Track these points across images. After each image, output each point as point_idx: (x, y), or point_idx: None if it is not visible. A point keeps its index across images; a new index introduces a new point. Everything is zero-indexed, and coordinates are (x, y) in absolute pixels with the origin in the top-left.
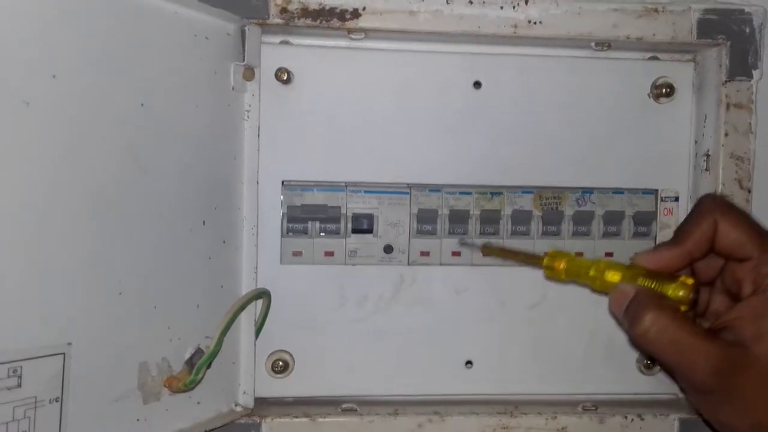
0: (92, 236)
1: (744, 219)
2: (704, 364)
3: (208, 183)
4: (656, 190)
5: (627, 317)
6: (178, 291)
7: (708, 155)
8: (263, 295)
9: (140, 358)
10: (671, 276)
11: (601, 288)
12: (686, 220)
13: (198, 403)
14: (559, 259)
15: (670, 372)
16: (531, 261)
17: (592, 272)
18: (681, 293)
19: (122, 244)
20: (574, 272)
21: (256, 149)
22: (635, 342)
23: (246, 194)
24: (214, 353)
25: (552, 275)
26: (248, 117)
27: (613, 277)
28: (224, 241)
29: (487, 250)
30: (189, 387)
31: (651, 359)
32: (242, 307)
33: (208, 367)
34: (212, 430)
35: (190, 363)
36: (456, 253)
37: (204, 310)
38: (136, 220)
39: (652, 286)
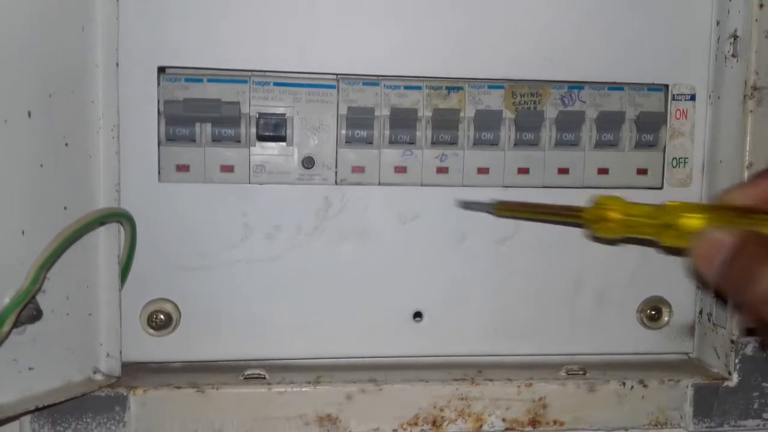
0: None
1: None
2: None
3: (37, 58)
4: (666, 86)
5: (730, 278)
6: None
7: (735, 36)
8: (120, 218)
9: None
10: None
11: (676, 242)
12: None
13: (30, 368)
14: (611, 208)
15: None
16: (568, 215)
17: (663, 219)
18: None
19: None
20: (633, 223)
21: (115, 17)
22: (748, 310)
23: (102, 81)
24: (26, 295)
25: (603, 231)
26: None
27: (694, 221)
28: (67, 144)
29: (502, 208)
30: None
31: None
32: (76, 234)
33: (29, 317)
34: (56, 404)
35: None
36: (400, 169)
37: (33, 238)
38: None
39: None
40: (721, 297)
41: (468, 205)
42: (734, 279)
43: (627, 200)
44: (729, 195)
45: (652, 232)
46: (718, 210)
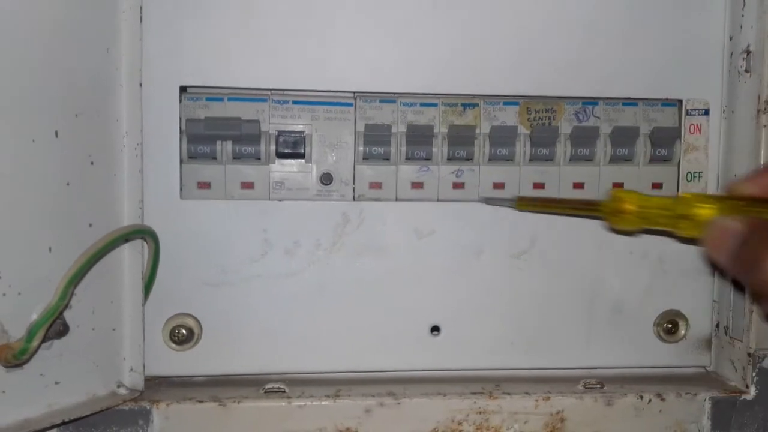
0: None
1: None
2: None
3: (64, 79)
4: (680, 101)
5: (740, 262)
6: (14, 227)
7: (749, 52)
8: (145, 235)
9: None
10: None
11: (690, 232)
12: None
13: (57, 383)
14: (627, 200)
15: None
16: (586, 208)
17: (677, 210)
18: None
19: None
20: (648, 215)
21: (138, 39)
22: (758, 294)
23: (126, 101)
24: (55, 311)
25: (619, 223)
26: None
27: (707, 211)
28: (92, 163)
29: (523, 203)
30: (20, 358)
31: None
32: (102, 251)
33: (57, 332)
34: (81, 418)
35: None
36: (417, 185)
37: (60, 255)
38: None
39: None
40: (737, 284)
41: (490, 201)
42: (743, 263)
43: (642, 194)
44: (737, 185)
45: (667, 222)
46: (729, 200)
